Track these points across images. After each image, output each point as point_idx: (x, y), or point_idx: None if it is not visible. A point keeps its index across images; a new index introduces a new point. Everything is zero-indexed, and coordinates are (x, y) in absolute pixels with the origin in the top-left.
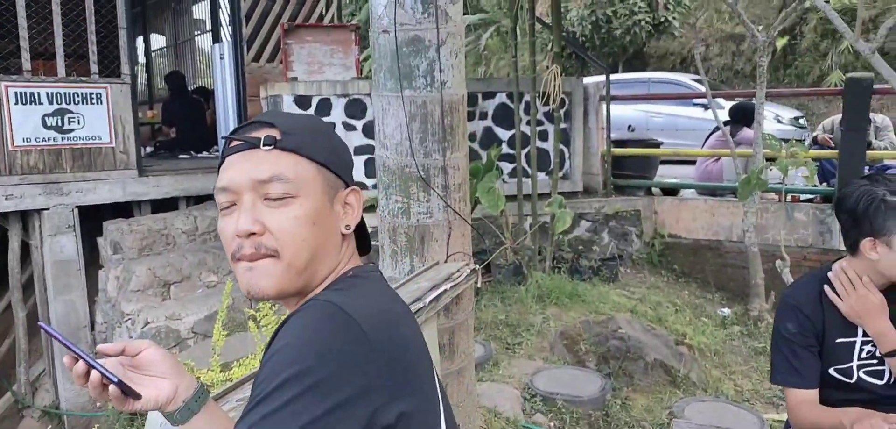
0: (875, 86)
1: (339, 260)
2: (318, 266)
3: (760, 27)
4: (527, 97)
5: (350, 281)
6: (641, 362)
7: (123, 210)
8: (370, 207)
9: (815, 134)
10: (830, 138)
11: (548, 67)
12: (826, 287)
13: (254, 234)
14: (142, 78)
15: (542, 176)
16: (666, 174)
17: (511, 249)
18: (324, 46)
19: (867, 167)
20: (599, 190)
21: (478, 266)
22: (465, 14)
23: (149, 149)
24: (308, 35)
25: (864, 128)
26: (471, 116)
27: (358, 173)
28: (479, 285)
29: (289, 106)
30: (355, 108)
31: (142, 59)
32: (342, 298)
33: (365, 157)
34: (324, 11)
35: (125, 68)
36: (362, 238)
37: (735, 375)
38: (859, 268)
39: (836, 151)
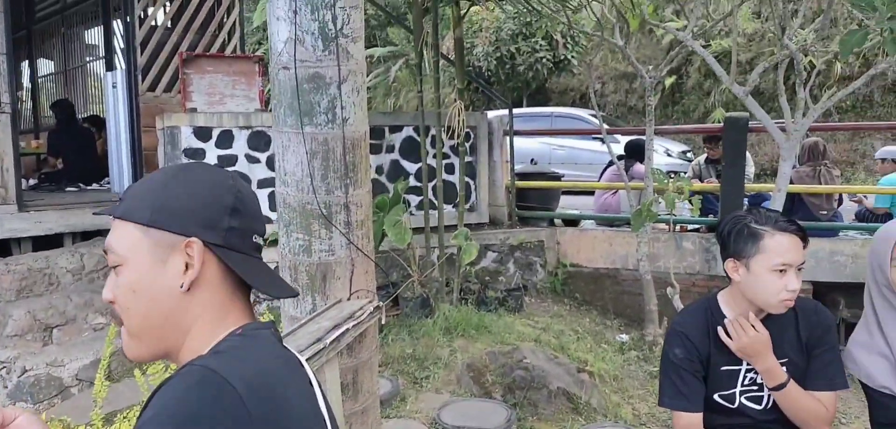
0: (750, 124)
1: (193, 320)
2: (163, 332)
3: (650, 67)
4: (433, 131)
5: (235, 341)
6: (545, 391)
7: (1, 249)
8: (273, 242)
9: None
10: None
11: (453, 102)
12: (719, 329)
13: (112, 302)
14: (27, 105)
15: (448, 208)
16: (567, 205)
17: (418, 282)
18: (226, 77)
19: (745, 199)
20: (505, 221)
21: (382, 303)
22: (375, 46)
23: (32, 181)
24: (209, 65)
25: (743, 163)
26: (378, 149)
27: (263, 207)
28: (383, 322)
29: (187, 138)
30: (259, 140)
31: (27, 84)
32: (220, 362)
33: (268, 190)
34: (226, 41)
35: (5, 97)
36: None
37: (633, 399)
38: (735, 295)
39: (717, 185)
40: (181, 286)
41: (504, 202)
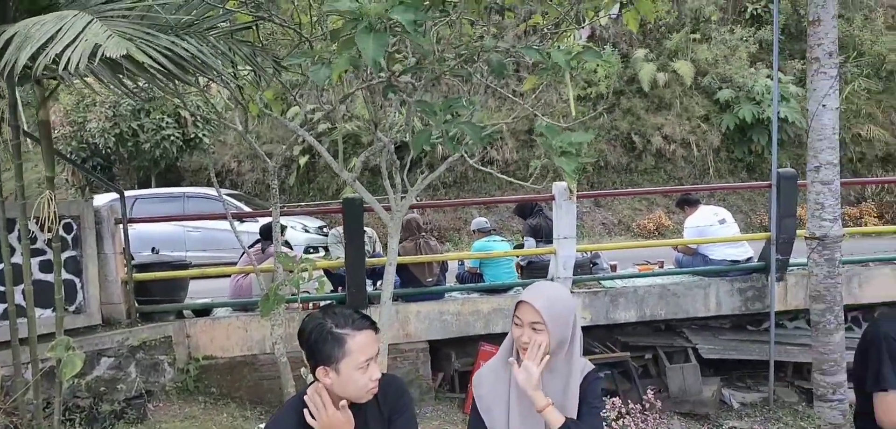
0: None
1: None
2: None
3: (283, 147)
4: (18, 225)
5: None
6: None
7: None
8: None
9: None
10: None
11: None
12: (305, 410)
13: None
14: None
15: (48, 312)
16: (201, 292)
17: (3, 410)
18: None
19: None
20: (123, 320)
21: None
22: None
23: None
24: None
25: (362, 239)
26: None
27: None
28: None
29: None
30: None
31: None
32: None
33: None
34: None
35: None
36: None
37: None
38: (320, 390)
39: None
40: None
41: (121, 299)
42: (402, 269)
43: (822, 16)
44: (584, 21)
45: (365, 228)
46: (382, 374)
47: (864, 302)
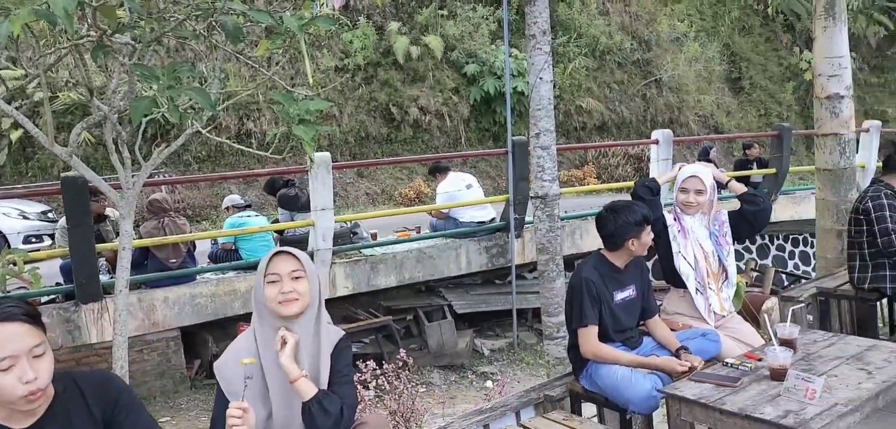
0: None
1: None
2: None
3: None
4: None
5: None
6: None
7: None
8: None
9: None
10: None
11: None
12: None
13: None
14: None
15: None
16: None
17: None
18: None
19: (101, 257)
20: None
21: None
22: None
23: None
24: None
25: (89, 223)
26: None
27: None
28: None
29: None
30: None
31: None
32: None
33: None
34: None
35: None
36: None
37: None
38: None
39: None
40: None
41: None
42: (145, 252)
43: None
44: None
45: (108, 210)
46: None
47: (585, 251)
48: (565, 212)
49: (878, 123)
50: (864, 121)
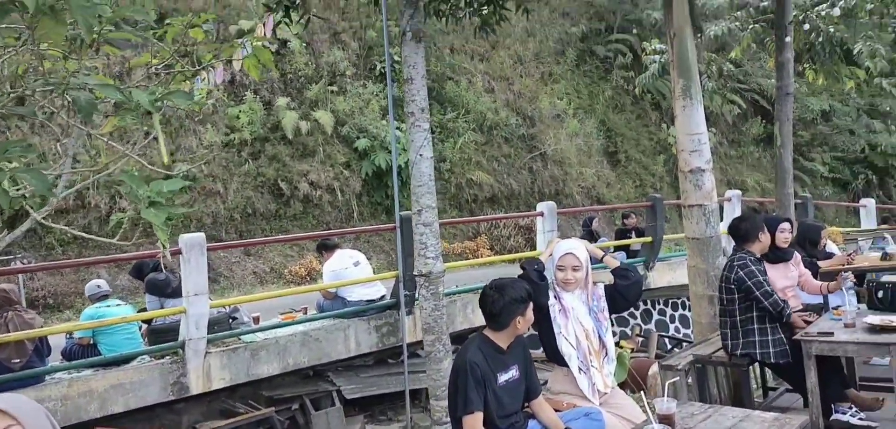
0: None
1: None
2: None
3: None
4: None
5: None
6: None
7: None
8: None
9: None
10: None
11: None
12: None
13: None
14: None
15: None
16: None
17: None
18: None
19: None
20: None
21: None
22: None
23: None
24: None
25: None
26: None
27: None
28: None
29: None
30: None
31: None
32: None
33: None
34: None
35: None
36: None
37: None
38: None
39: None
40: None
41: None
42: None
43: (414, 75)
44: (200, 64)
45: None
46: None
47: (477, 325)
48: (456, 286)
49: (739, 192)
50: (726, 190)
